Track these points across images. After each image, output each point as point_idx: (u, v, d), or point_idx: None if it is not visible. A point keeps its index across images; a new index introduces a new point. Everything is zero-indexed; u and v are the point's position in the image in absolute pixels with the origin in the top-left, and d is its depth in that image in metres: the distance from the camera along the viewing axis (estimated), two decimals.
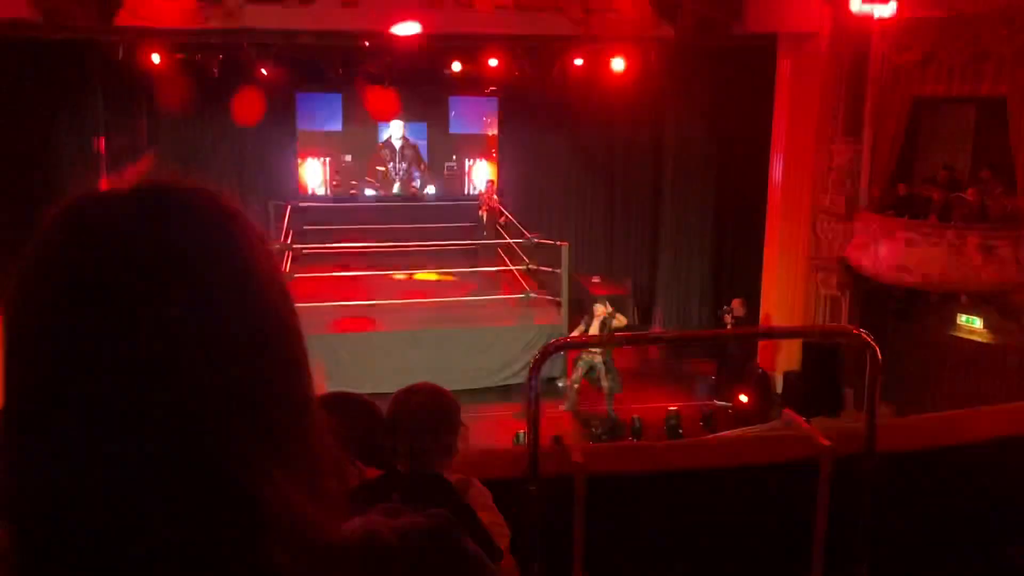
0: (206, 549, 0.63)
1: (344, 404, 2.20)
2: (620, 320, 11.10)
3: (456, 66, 13.86)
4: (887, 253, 10.54)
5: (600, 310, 11.07)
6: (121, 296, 0.63)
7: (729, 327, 12.01)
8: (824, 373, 11.23)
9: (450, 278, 13.59)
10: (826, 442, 2.60)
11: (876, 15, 10.05)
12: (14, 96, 11.12)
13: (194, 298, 0.64)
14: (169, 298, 0.63)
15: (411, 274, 13.48)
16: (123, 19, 10.00)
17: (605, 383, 10.95)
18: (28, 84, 11.33)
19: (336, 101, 15.92)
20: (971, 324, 10.93)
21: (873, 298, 11.32)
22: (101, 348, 0.62)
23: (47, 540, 0.63)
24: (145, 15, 10.05)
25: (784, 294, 11.84)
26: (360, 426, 2.14)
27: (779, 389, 11.85)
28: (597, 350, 10.71)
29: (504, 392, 11.02)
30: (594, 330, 10.82)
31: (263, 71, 12.96)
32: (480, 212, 14.46)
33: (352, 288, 12.40)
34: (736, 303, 12.15)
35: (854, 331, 2.60)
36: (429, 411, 2.20)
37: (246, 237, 0.69)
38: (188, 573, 0.63)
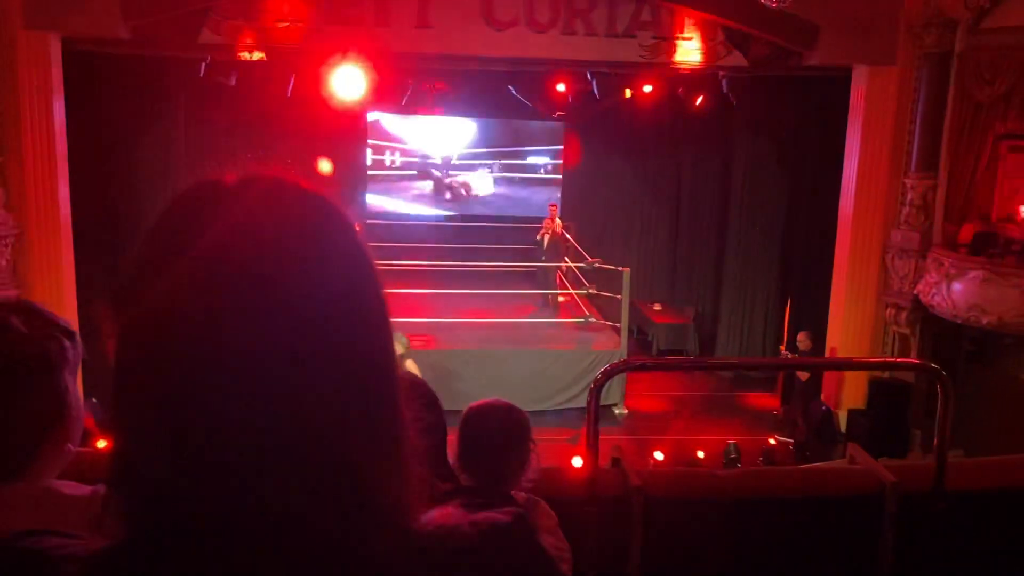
0: (311, 526, 0.65)
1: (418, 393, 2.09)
2: (411, 366, 10.08)
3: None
4: (961, 292, 10.21)
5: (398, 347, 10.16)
6: (236, 274, 0.65)
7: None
8: (891, 412, 10.92)
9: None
10: (892, 477, 2.54)
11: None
12: (104, 107, 11.65)
13: (306, 278, 0.67)
14: (283, 277, 0.66)
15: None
16: (206, 37, 10.40)
17: None
18: (117, 96, 11.84)
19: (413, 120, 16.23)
20: None
21: (945, 338, 10.98)
22: (215, 325, 0.65)
23: (163, 511, 0.66)
24: (227, 34, 10.43)
25: (851, 330, 11.56)
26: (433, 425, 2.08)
27: (843, 427, 11.55)
28: None
29: (559, 416, 10.98)
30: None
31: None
32: (540, 236, 14.44)
33: (413, 306, 12.52)
34: (802, 336, 11.85)
35: (926, 364, 2.54)
36: (508, 429, 2.19)
37: (347, 224, 0.73)
38: (289, 549, 0.65)
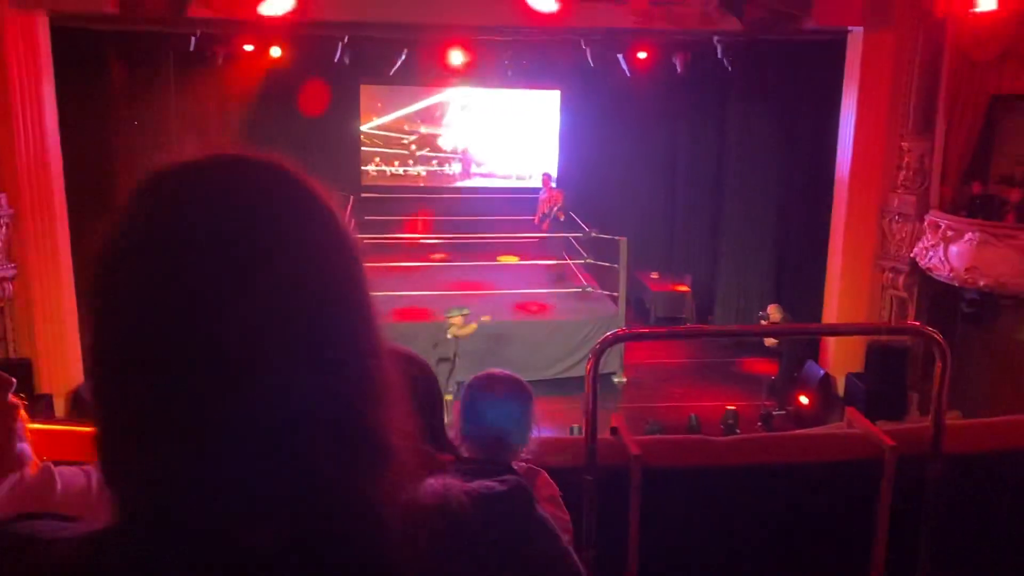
0: (324, 494, 0.65)
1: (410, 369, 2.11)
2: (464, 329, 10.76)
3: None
4: (959, 254, 10.22)
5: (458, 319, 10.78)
6: (210, 259, 0.65)
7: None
8: (889, 375, 10.97)
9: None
10: (890, 442, 2.56)
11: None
12: (93, 86, 11.52)
13: (281, 256, 0.66)
14: (256, 258, 0.65)
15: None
16: (196, 11, 10.26)
17: None
18: (108, 72, 11.72)
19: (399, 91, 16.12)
20: None
21: (942, 301, 11.00)
22: (189, 311, 0.64)
23: (148, 491, 0.66)
24: (217, 6, 10.28)
25: (849, 294, 11.58)
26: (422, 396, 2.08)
27: (840, 391, 11.61)
28: None
29: (558, 385, 11.02)
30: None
31: (331, 61, 13.13)
32: (549, 208, 14.25)
33: (412, 278, 12.51)
34: (771, 308, 11.91)
35: (922, 328, 2.54)
36: (510, 399, 2.19)
37: (318, 198, 0.71)
38: (275, 524, 0.65)
